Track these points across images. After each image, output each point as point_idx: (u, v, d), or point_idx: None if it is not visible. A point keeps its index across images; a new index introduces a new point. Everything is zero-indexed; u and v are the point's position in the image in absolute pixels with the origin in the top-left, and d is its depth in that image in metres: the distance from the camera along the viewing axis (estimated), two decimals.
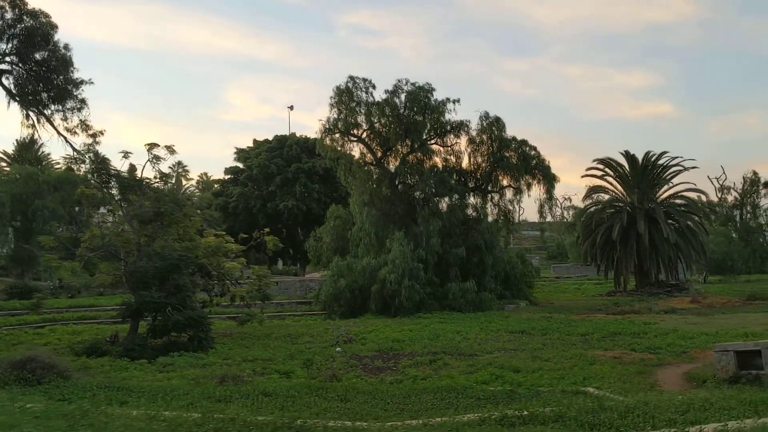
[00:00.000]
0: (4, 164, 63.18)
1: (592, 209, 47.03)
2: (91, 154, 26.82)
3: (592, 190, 47.55)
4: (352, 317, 30.92)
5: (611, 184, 47.22)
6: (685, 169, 45.21)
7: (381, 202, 36.41)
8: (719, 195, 74.95)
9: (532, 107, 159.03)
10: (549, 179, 38.69)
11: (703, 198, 52.24)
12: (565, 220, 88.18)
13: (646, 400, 8.54)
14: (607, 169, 46.98)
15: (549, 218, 50.04)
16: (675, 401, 8.07)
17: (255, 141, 63.34)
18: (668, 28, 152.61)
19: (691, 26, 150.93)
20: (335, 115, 36.06)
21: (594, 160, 47.56)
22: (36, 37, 24.71)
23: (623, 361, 16.63)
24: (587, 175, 47.92)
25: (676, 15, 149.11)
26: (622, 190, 46.67)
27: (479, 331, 24.56)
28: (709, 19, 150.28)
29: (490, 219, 39.09)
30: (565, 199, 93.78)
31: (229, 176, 63.39)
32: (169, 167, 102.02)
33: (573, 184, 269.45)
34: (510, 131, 39.19)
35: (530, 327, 24.99)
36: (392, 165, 37.57)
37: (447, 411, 10.38)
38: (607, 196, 47.40)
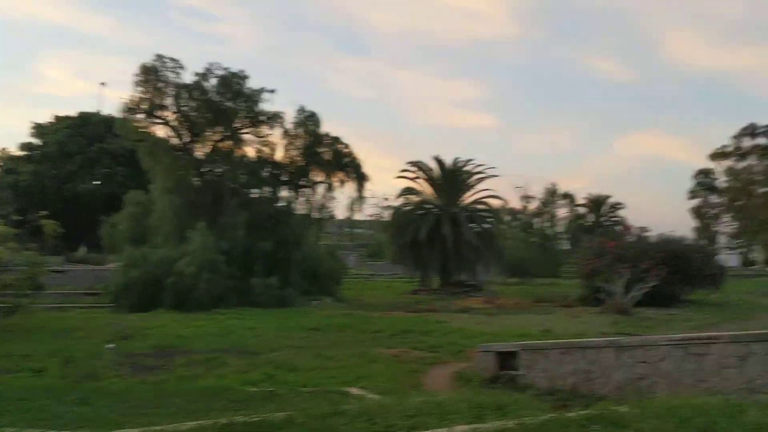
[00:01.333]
0: None
1: (403, 210, 48.45)
2: None
3: (405, 191, 49.00)
4: (143, 311, 28.78)
5: (422, 186, 48.95)
6: (489, 176, 48.10)
7: (186, 190, 34.48)
8: (523, 204, 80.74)
9: (365, 108, 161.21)
10: (360, 177, 39.14)
11: (505, 205, 55.90)
12: (384, 219, 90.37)
13: (385, 402, 8.38)
14: (419, 172, 48.60)
15: (359, 216, 51.03)
16: (411, 404, 7.96)
17: (56, 117, 57.87)
18: (494, 45, 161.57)
19: (514, 45, 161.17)
20: (140, 95, 33.64)
21: (407, 163, 49.12)
22: None
23: (402, 359, 16.77)
24: (401, 177, 49.29)
25: (500, 34, 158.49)
26: (432, 193, 48.53)
27: (274, 327, 23.94)
28: (528, 39, 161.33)
29: (301, 214, 38.70)
30: (385, 198, 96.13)
31: (24, 153, 57.42)
32: None
33: (397, 185, 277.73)
34: (333, 130, 39.41)
35: (327, 324, 24.78)
36: (201, 152, 35.80)
37: (194, 414, 9.55)
38: (419, 198, 49.03)
